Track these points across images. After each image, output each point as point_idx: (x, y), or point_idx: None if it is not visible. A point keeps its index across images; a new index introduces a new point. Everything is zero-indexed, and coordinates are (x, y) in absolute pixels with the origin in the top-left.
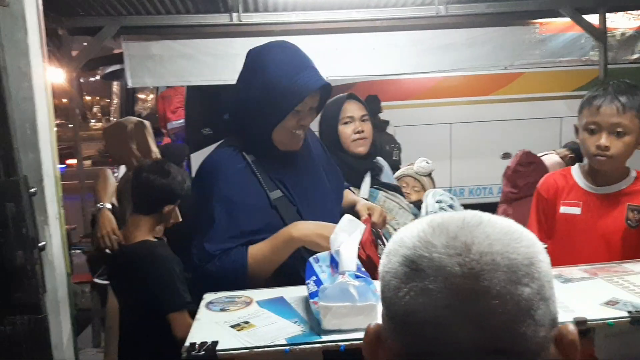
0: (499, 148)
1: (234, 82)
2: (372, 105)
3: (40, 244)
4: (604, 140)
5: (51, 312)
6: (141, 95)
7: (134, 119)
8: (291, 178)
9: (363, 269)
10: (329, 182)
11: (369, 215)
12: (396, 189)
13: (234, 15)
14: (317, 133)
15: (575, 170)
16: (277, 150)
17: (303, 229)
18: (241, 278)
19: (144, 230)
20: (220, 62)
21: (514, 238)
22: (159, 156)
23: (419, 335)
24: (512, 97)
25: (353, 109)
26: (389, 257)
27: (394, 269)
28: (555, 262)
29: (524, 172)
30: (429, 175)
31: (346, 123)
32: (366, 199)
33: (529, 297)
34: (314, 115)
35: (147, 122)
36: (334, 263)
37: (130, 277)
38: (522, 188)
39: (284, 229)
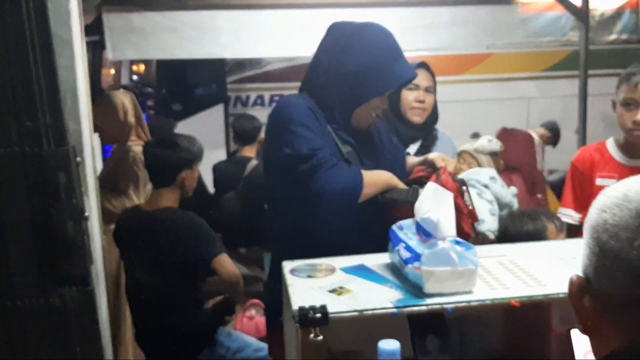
0: (468, 128)
1: (218, 56)
2: None
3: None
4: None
5: (95, 285)
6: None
7: (124, 91)
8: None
9: None
10: (387, 157)
11: (445, 166)
12: None
13: None
14: None
15: (610, 143)
16: (350, 125)
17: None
18: (355, 197)
19: (169, 201)
20: (204, 36)
21: None
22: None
23: None
24: (482, 77)
25: (420, 78)
26: (612, 211)
27: (623, 221)
28: None
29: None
30: (493, 154)
31: (410, 89)
32: None
33: None
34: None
35: (128, 95)
36: (421, 230)
37: (157, 239)
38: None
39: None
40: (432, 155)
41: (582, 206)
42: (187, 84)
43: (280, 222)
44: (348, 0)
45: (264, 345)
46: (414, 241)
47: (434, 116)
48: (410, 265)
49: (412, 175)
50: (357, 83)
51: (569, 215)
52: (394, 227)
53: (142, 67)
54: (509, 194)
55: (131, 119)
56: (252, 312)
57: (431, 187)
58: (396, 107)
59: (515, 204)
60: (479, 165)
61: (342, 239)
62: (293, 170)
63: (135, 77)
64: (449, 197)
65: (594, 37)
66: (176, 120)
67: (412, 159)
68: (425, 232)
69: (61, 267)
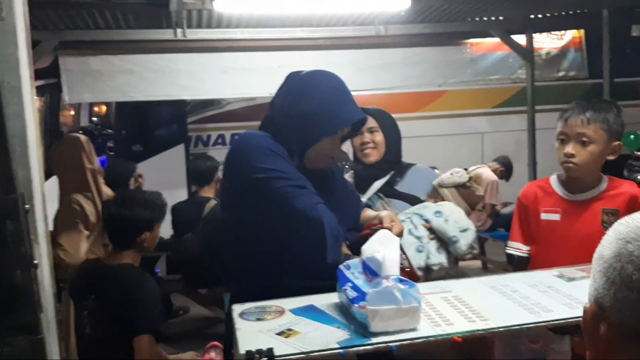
0: (426, 162)
1: (177, 97)
2: None
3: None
4: (569, 148)
5: (45, 333)
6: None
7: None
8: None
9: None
10: (343, 203)
11: (391, 226)
12: (406, 199)
13: (179, 31)
14: None
15: (554, 179)
16: (304, 165)
17: None
18: (340, 236)
19: (129, 259)
20: (163, 78)
21: None
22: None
23: None
24: (437, 113)
25: None
26: (637, 243)
27: None
28: (540, 265)
29: None
30: (459, 186)
31: (357, 135)
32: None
33: None
34: (342, 143)
35: (83, 137)
36: (367, 269)
37: (105, 295)
38: None
39: None
40: (383, 213)
41: (530, 239)
42: (147, 124)
43: (239, 261)
44: (304, 43)
45: None
46: (360, 280)
47: (392, 153)
48: (356, 305)
49: (361, 233)
50: (308, 123)
51: (517, 248)
52: (341, 266)
53: (103, 108)
54: (456, 228)
55: (94, 163)
56: (212, 354)
57: (382, 232)
58: (355, 153)
59: (463, 238)
60: (443, 199)
61: (311, 274)
62: (274, 192)
63: (95, 119)
64: (395, 240)
65: (542, 74)
66: (136, 161)
67: (369, 212)
68: (371, 271)
69: (9, 316)
